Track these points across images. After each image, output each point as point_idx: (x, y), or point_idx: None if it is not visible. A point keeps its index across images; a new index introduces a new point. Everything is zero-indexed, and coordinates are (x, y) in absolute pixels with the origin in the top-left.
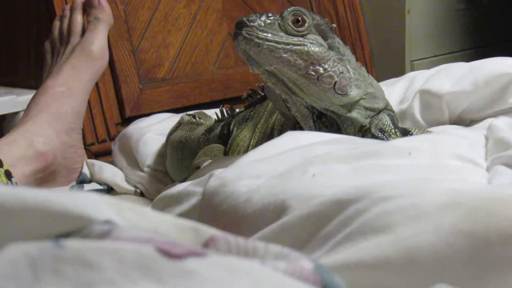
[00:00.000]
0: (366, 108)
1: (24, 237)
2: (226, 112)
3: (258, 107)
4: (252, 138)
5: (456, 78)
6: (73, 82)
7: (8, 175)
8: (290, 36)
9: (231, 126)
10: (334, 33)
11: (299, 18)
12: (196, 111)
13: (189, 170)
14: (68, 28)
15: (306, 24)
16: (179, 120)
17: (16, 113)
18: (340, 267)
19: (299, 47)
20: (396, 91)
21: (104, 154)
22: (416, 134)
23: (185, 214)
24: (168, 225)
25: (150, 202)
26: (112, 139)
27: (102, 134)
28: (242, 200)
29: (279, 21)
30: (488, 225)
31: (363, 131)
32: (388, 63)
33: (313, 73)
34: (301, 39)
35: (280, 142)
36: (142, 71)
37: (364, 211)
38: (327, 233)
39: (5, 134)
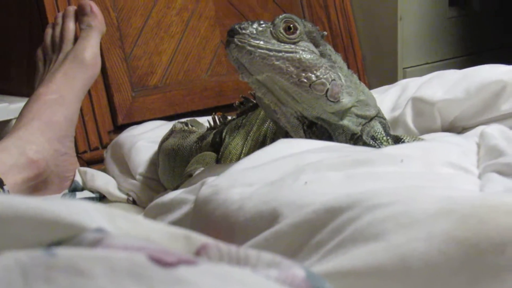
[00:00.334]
0: (358, 116)
1: (16, 245)
2: (219, 119)
3: (250, 115)
4: (244, 146)
5: (449, 85)
6: (65, 89)
7: (0, 183)
8: (282, 44)
9: (223, 134)
10: (325, 40)
11: (291, 25)
12: (188, 118)
13: (182, 178)
14: (60, 35)
15: (298, 31)
16: (172, 128)
17: (8, 121)
18: (332, 275)
19: (291, 54)
20: (388, 99)
21: (96, 162)
22: (408, 141)
23: (177, 222)
24: (160, 233)
25: (142, 210)
26: (104, 147)
27: (94, 142)
28: (234, 208)
29: (271, 29)
30: (479, 233)
31: (355, 139)
32: (380, 70)
33: (305, 80)
34: (293, 46)
35: (272, 149)
36: (134, 79)
37: (356, 219)
38: (319, 240)
39: None
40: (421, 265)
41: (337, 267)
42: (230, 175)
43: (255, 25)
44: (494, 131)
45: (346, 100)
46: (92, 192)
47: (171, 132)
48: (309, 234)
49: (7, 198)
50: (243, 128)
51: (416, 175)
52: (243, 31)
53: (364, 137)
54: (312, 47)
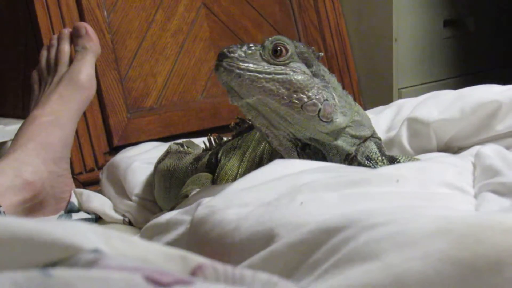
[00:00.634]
0: (352, 136)
1: (12, 266)
2: (214, 141)
3: (246, 136)
4: (240, 166)
5: (444, 105)
6: (60, 111)
7: None
8: (273, 66)
9: (219, 155)
10: (321, 61)
11: (281, 47)
12: (184, 140)
13: (177, 199)
14: (55, 57)
15: (289, 53)
16: (167, 149)
17: (4, 143)
18: None
19: (281, 76)
20: (384, 119)
21: (92, 183)
22: (403, 161)
23: (173, 243)
24: (156, 253)
25: (138, 231)
26: (100, 168)
27: (90, 163)
28: (230, 228)
29: (260, 51)
30: (475, 252)
31: (350, 159)
32: (376, 91)
33: (296, 101)
34: (283, 67)
35: (268, 170)
36: (129, 100)
37: (352, 239)
38: (315, 260)
39: None
40: (417, 285)
41: (333, 287)
42: (226, 195)
43: (244, 48)
44: (490, 150)
45: (340, 120)
46: (88, 213)
47: (167, 153)
48: (305, 254)
49: (3, 219)
50: (239, 149)
51: (412, 195)
52: (231, 55)
53: (359, 158)
54: (303, 68)
